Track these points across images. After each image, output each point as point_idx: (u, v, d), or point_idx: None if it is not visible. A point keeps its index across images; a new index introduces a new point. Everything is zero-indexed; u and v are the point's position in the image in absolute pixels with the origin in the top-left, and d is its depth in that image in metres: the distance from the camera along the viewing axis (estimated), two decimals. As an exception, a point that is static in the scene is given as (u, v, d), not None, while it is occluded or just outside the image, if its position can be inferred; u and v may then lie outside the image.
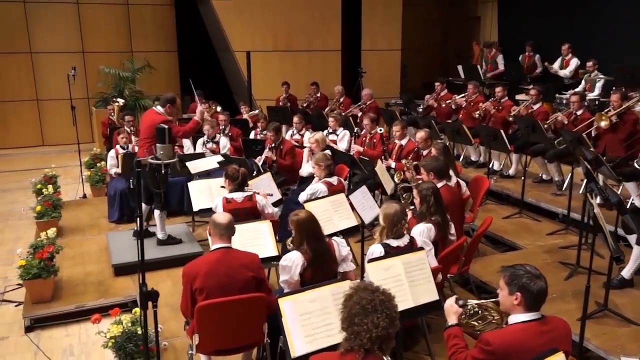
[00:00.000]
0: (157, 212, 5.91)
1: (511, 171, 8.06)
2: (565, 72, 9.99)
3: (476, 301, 3.07)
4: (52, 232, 5.39)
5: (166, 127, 4.23)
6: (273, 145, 7.25)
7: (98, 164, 8.75)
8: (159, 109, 5.72)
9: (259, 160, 7.18)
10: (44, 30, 12.53)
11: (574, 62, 9.89)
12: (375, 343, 2.23)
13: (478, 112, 8.55)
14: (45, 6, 12.43)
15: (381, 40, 13.09)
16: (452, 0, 15.48)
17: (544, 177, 7.67)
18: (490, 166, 8.04)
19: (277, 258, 4.24)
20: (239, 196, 4.96)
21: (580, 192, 6.87)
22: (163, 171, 5.30)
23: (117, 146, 7.66)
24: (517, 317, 2.62)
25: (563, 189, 7.17)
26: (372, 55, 12.98)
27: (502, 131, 7.04)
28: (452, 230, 4.39)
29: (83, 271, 5.73)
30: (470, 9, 14.90)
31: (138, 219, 3.07)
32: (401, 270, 3.33)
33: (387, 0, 12.95)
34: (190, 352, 3.57)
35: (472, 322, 2.98)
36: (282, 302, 2.97)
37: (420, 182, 4.76)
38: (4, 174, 10.53)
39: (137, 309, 4.08)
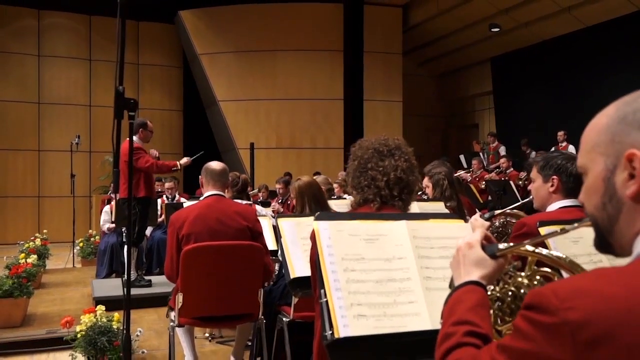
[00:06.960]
0: (125, 249, 5.01)
1: (524, 234, 7.67)
2: None
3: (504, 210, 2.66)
4: (32, 259, 4.97)
5: None
6: (281, 200, 7.03)
7: (91, 239, 8.40)
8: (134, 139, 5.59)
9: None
10: (55, 129, 12.85)
11: (571, 150, 9.89)
12: (394, 188, 1.85)
13: (484, 184, 8.40)
14: (59, 107, 12.91)
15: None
16: (451, 111, 16.10)
17: (560, 238, 7.25)
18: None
19: (277, 253, 3.82)
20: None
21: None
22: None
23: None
24: (556, 204, 2.23)
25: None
26: (375, 153, 13.13)
27: (511, 182, 6.83)
28: (469, 225, 3.99)
29: (61, 308, 5.17)
30: (468, 118, 15.44)
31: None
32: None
33: (388, 105, 13.42)
34: (171, 324, 3.04)
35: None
36: (281, 221, 2.58)
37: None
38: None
39: (117, 314, 3.59)
